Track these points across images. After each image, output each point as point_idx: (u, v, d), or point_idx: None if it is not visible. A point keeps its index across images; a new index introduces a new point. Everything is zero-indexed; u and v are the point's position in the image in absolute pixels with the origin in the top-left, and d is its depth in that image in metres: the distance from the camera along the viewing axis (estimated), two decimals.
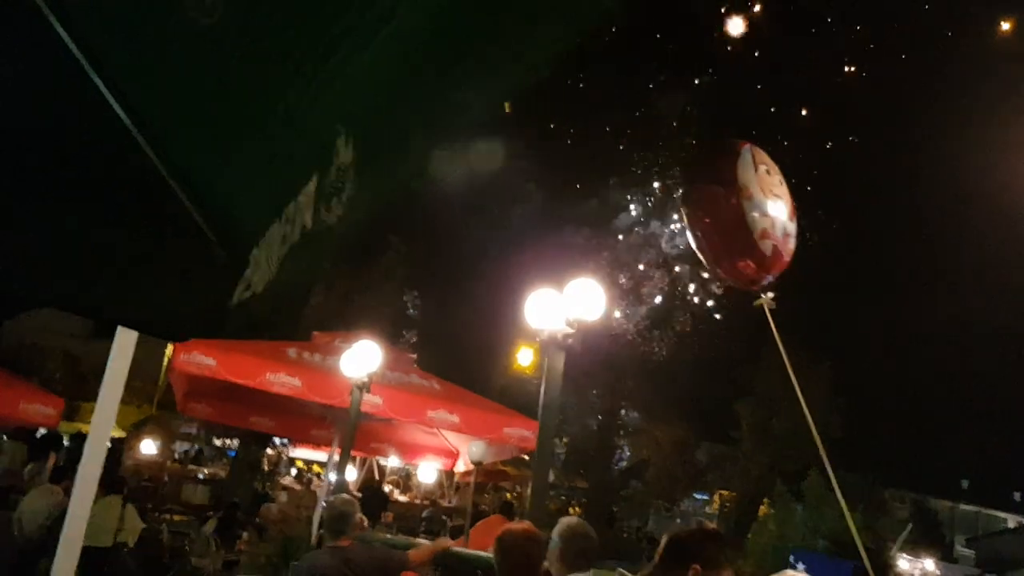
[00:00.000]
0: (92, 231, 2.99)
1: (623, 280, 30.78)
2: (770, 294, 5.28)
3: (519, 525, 4.07)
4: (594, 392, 31.46)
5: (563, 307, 5.36)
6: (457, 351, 25.96)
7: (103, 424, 5.02)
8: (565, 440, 32.80)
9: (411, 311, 29.28)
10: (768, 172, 5.08)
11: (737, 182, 5.01)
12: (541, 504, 5.15)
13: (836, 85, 32.79)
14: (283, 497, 16.51)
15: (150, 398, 30.78)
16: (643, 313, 30.82)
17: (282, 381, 9.55)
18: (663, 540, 2.91)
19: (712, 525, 2.95)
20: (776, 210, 5.11)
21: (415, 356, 12.93)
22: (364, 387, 7.84)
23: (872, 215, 37.73)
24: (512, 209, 30.03)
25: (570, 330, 5.23)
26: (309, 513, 11.30)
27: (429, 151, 1.68)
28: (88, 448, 5.06)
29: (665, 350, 30.94)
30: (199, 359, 9.38)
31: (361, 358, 7.93)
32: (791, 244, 5.25)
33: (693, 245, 5.58)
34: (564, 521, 3.78)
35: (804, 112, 32.91)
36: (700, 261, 5.70)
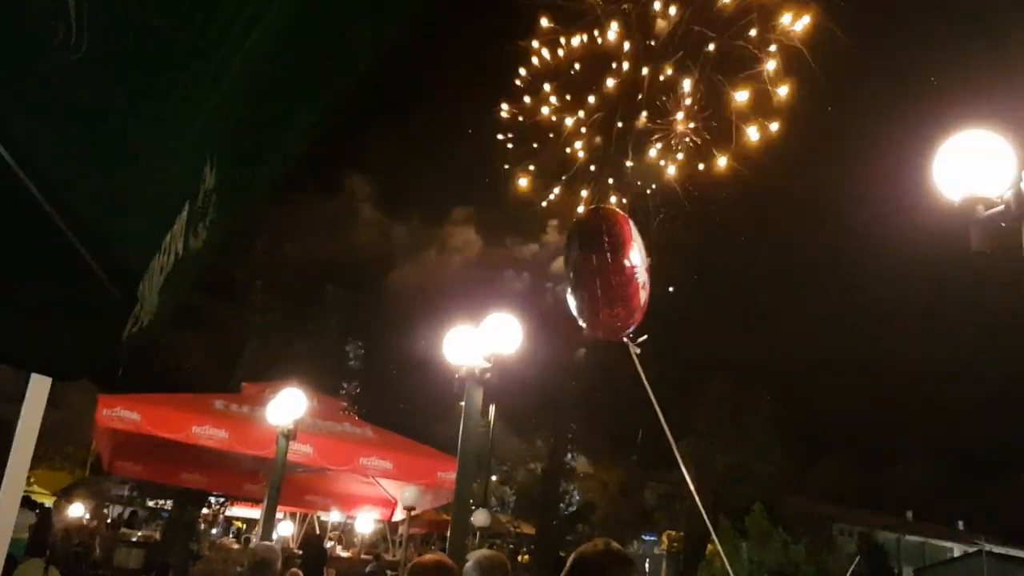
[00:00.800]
0: None
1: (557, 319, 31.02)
2: (638, 341, 5.96)
3: (430, 556, 4.04)
4: (538, 437, 31.39)
5: (480, 342, 5.41)
6: (403, 400, 25.77)
7: (14, 480, 4.88)
8: (512, 489, 32.61)
9: (353, 361, 29.02)
10: (634, 237, 5.89)
11: (630, 246, 5.74)
12: (462, 540, 5.13)
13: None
14: (209, 552, 16.03)
15: (84, 463, 29.87)
16: (581, 353, 30.93)
17: (209, 434, 9.37)
18: (569, 559, 2.85)
19: (617, 546, 2.92)
20: (645, 267, 5.85)
21: (345, 404, 12.81)
22: (290, 435, 7.72)
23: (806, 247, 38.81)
24: (452, 252, 30.17)
25: (487, 365, 5.28)
26: (241, 570, 11.02)
27: (279, 172, 1.73)
28: (2, 498, 4.91)
29: (603, 391, 31.04)
30: (123, 414, 9.16)
31: (286, 406, 7.83)
32: (644, 294, 5.98)
33: (572, 303, 6.13)
34: (477, 553, 3.75)
35: None
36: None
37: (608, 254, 5.49)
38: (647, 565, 37.27)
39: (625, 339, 5.83)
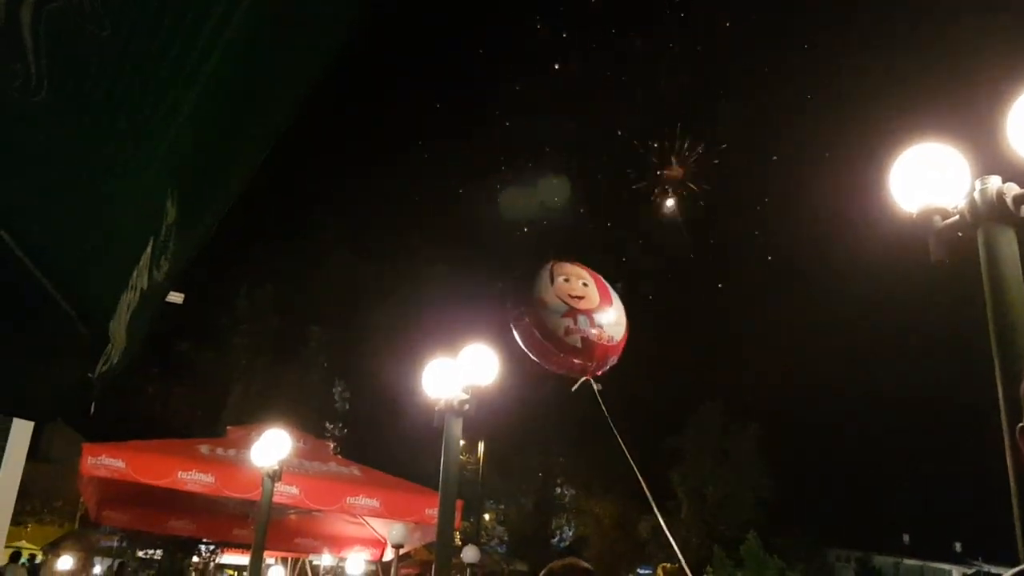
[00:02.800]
0: None
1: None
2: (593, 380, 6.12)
3: (560, 561, 3.92)
4: (527, 472, 31.27)
5: (458, 374, 5.45)
6: (389, 440, 25.66)
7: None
8: (503, 527, 32.41)
9: (339, 402, 28.92)
10: (566, 280, 6.05)
11: (534, 301, 5.98)
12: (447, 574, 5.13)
13: None
14: None
15: (73, 516, 29.51)
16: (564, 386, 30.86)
17: (195, 479, 9.32)
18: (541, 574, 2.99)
19: (585, 564, 3.02)
20: (578, 307, 5.97)
21: (333, 444, 12.77)
22: (275, 476, 7.70)
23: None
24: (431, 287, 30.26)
25: (465, 396, 5.32)
26: None
27: (237, 194, 1.78)
28: None
29: (591, 423, 30.99)
30: (107, 462, 9.10)
31: (270, 447, 7.81)
32: (609, 331, 6.07)
33: (530, 354, 6.39)
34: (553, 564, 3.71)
35: None
36: None
37: (524, 312, 5.75)
38: None
39: (586, 378, 5.92)
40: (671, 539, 7.01)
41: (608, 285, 6.15)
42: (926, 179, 3.52)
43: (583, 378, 5.87)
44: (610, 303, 5.99)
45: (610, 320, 5.95)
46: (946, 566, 47.16)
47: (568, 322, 5.72)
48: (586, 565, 3.03)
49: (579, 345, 5.78)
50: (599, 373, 5.97)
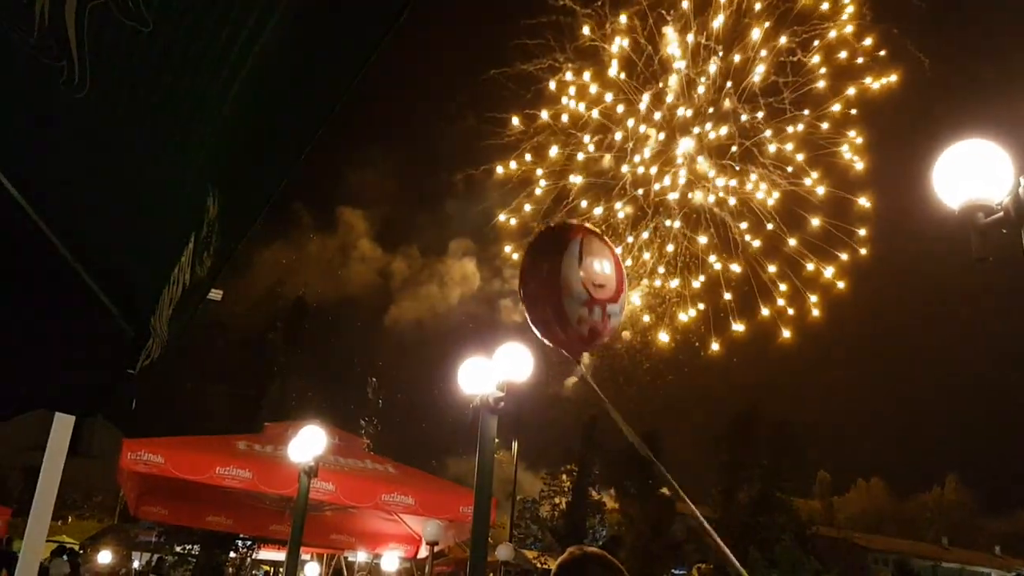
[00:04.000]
0: None
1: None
2: (584, 363, 5.97)
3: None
4: (562, 471, 31.26)
5: (493, 371, 5.45)
6: (422, 436, 25.80)
7: (40, 520, 4.96)
8: (536, 525, 32.42)
9: (371, 399, 29.11)
10: (593, 263, 5.83)
11: (559, 285, 5.72)
12: (482, 573, 5.13)
13: None
14: None
15: (112, 511, 29.99)
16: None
17: (232, 474, 9.41)
18: (553, 567, 2.98)
19: (593, 549, 3.04)
20: (597, 297, 5.81)
21: (368, 441, 12.84)
22: (311, 472, 7.76)
23: None
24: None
25: (500, 394, 5.32)
26: None
27: (276, 194, 1.79)
28: (27, 538, 5.00)
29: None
30: (147, 457, 9.23)
31: (307, 443, 7.87)
32: (613, 322, 5.91)
33: (528, 320, 6.21)
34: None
35: None
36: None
37: (544, 292, 5.62)
38: None
39: (577, 361, 5.78)
40: (715, 537, 6.83)
41: (623, 266, 5.96)
42: (969, 174, 3.46)
43: (576, 373, 5.77)
44: (623, 290, 5.81)
45: (618, 310, 5.80)
46: (986, 569, 46.49)
47: (583, 311, 5.59)
48: (597, 552, 3.01)
49: (585, 334, 5.66)
50: (586, 351, 5.84)
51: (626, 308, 6.00)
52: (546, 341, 5.93)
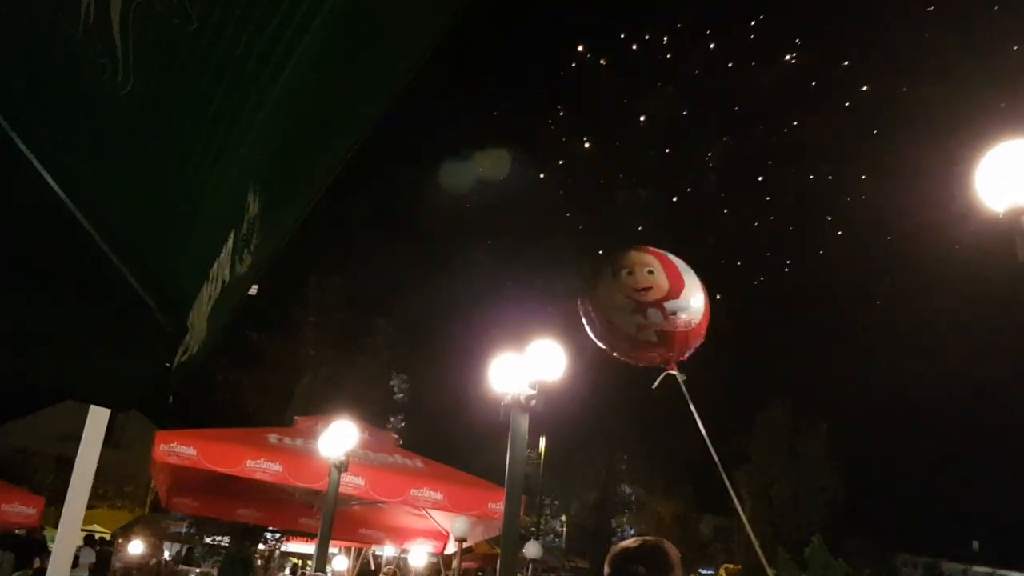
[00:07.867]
0: (32, 305, 3.07)
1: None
2: (677, 370, 5.85)
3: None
4: (590, 469, 31.18)
5: (525, 369, 5.43)
6: (449, 431, 25.85)
7: (75, 508, 5.01)
8: (564, 518, 32.39)
9: (398, 394, 29.16)
10: (630, 273, 5.76)
11: (600, 304, 5.76)
12: (512, 571, 5.12)
13: None
14: None
15: (143, 502, 30.35)
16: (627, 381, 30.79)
17: (263, 467, 9.47)
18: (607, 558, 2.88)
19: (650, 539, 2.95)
20: (644, 300, 5.72)
21: (397, 436, 12.86)
22: (342, 466, 7.81)
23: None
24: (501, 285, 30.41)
25: (532, 392, 5.30)
26: None
27: (319, 192, 1.78)
28: (61, 528, 5.05)
29: (654, 421, 30.78)
30: (179, 449, 9.31)
31: (337, 437, 7.93)
32: (682, 316, 5.75)
33: (616, 354, 6.20)
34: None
35: None
36: None
37: (590, 316, 5.60)
38: None
39: (669, 370, 5.70)
40: (752, 536, 6.80)
41: (680, 264, 5.84)
42: (1015, 176, 3.38)
43: (665, 371, 5.68)
44: (682, 286, 5.69)
45: (684, 305, 5.67)
46: (1016, 574, 45.76)
47: (639, 319, 5.52)
48: (658, 541, 2.92)
49: (654, 339, 5.57)
50: (683, 359, 5.75)
51: (701, 299, 5.86)
52: (633, 361, 5.89)
